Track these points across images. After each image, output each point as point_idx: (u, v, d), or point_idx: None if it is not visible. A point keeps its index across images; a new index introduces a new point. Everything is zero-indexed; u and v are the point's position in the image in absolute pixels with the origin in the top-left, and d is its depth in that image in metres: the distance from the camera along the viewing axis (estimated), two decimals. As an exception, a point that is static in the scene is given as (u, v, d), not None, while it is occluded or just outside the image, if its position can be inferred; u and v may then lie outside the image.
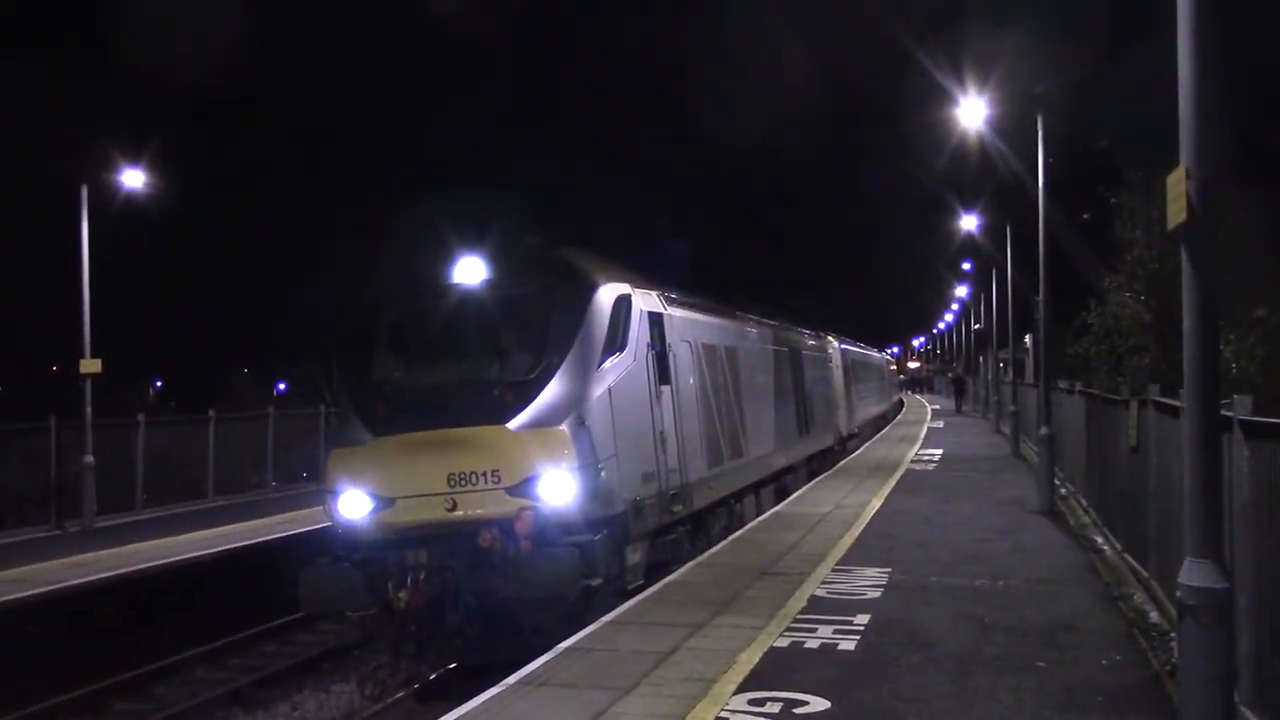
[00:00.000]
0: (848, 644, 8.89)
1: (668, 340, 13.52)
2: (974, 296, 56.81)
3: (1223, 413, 5.98)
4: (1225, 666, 5.17)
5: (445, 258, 12.24)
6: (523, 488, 10.63)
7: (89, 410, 20.32)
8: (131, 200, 22.17)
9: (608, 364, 11.63)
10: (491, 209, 13.18)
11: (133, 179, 21.42)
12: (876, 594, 10.79)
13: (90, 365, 20.59)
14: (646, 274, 14.00)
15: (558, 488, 10.61)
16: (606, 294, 12.06)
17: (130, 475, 21.73)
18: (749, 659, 8.49)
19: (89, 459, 19.92)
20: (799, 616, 9.87)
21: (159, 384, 66.38)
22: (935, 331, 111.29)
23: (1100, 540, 14.15)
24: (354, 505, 11.02)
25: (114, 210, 22.32)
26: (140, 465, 21.93)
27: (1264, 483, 6.34)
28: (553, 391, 11.02)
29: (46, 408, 21.76)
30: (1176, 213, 5.23)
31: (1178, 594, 5.29)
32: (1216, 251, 5.25)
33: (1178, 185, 5.20)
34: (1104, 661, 8.32)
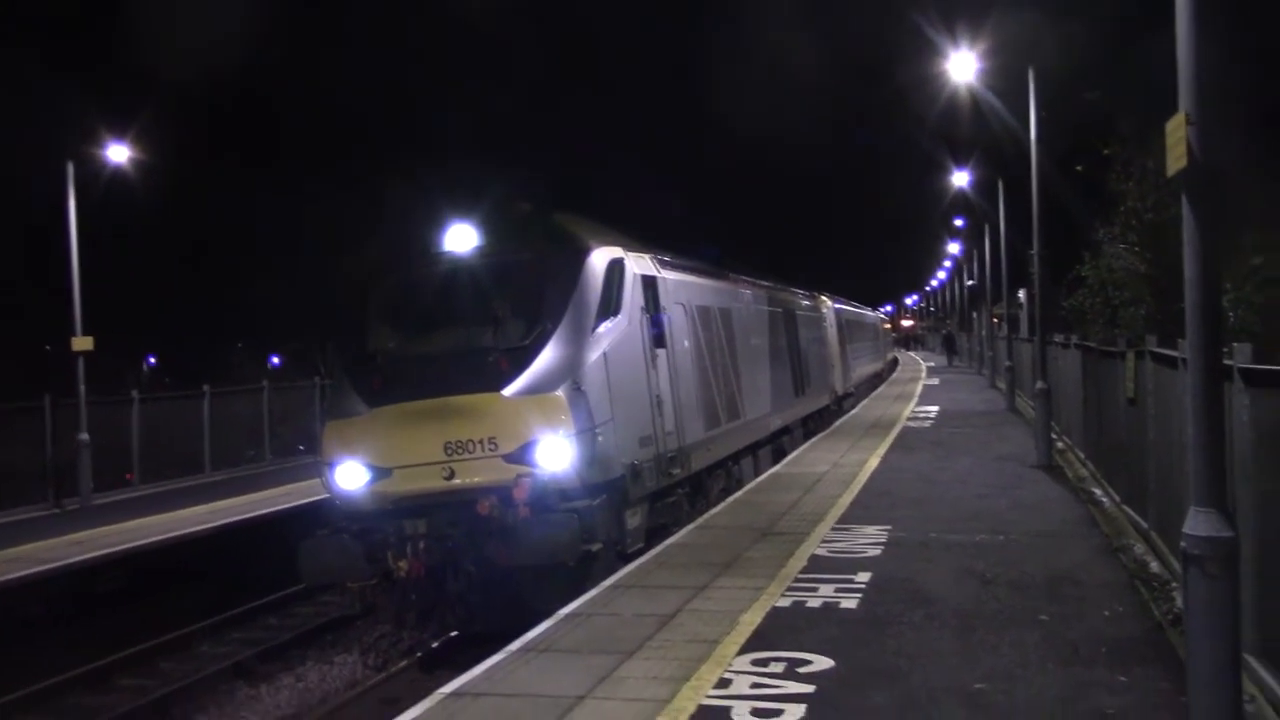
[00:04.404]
0: (850, 602, 8.88)
1: (662, 303, 13.46)
2: (967, 253, 56.81)
3: (1223, 361, 5.93)
4: (1232, 616, 5.14)
5: (438, 227, 12.17)
6: (520, 454, 10.59)
7: (83, 388, 20.27)
8: (120, 175, 22.02)
9: (602, 328, 11.57)
10: (498, 187, 13.13)
11: (118, 153, 21.23)
12: (877, 552, 10.79)
13: (82, 343, 20.51)
14: (638, 237, 13.91)
15: (555, 453, 10.58)
16: (599, 258, 11.98)
17: (126, 452, 21.69)
18: (751, 620, 8.49)
19: (84, 436, 19.90)
20: (800, 576, 9.87)
21: (152, 360, 66.37)
22: (928, 289, 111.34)
23: (1099, 493, 14.16)
24: (351, 476, 10.99)
25: (102, 186, 22.18)
26: (136, 442, 21.89)
27: (1265, 430, 6.31)
28: (548, 357, 10.97)
29: (40, 387, 21.69)
30: (1176, 159, 5.15)
31: (1182, 544, 5.25)
32: (1217, 198, 5.18)
33: (1178, 131, 5.12)
34: (1106, 613, 8.32)
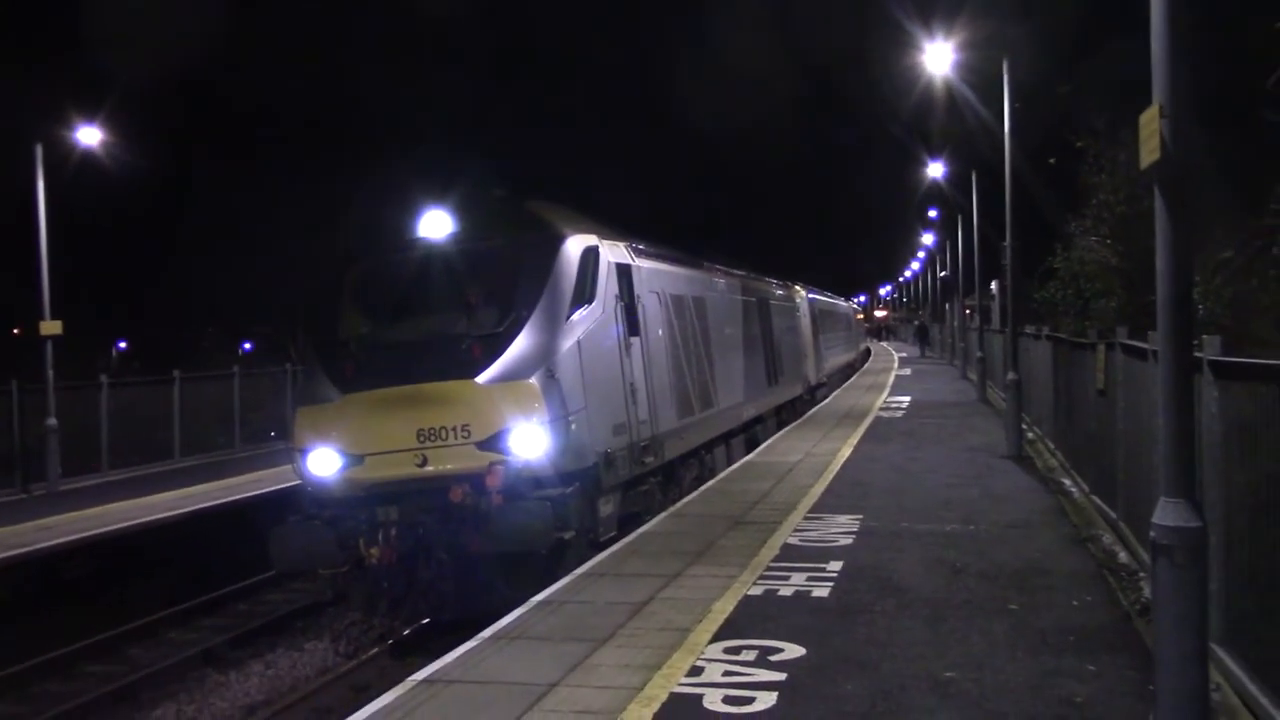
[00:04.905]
0: (821, 591, 8.91)
1: (636, 292, 13.45)
2: (940, 244, 57.04)
3: (1193, 354, 5.97)
4: (1199, 605, 5.18)
5: (411, 213, 12.11)
6: (493, 442, 10.57)
7: (50, 372, 20.08)
8: (90, 158, 21.81)
9: (576, 316, 11.55)
10: (471, 176, 13.07)
11: (88, 136, 21.01)
12: (849, 541, 10.83)
13: (51, 327, 20.32)
14: (612, 225, 13.89)
15: (529, 441, 10.56)
16: (574, 246, 11.96)
17: (95, 437, 21.51)
18: (724, 608, 8.50)
19: (52, 422, 19.72)
20: (772, 565, 9.89)
21: (122, 345, 65.83)
22: (901, 280, 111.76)
23: (1068, 483, 14.26)
24: (323, 463, 10.94)
25: (72, 169, 21.97)
26: (105, 427, 21.70)
27: (1233, 422, 6.36)
28: (522, 345, 10.95)
29: (7, 371, 21.47)
30: (1150, 152, 5.18)
31: (1151, 534, 5.29)
32: (1189, 190, 5.21)
33: (1151, 124, 5.14)
34: (1075, 602, 8.38)
